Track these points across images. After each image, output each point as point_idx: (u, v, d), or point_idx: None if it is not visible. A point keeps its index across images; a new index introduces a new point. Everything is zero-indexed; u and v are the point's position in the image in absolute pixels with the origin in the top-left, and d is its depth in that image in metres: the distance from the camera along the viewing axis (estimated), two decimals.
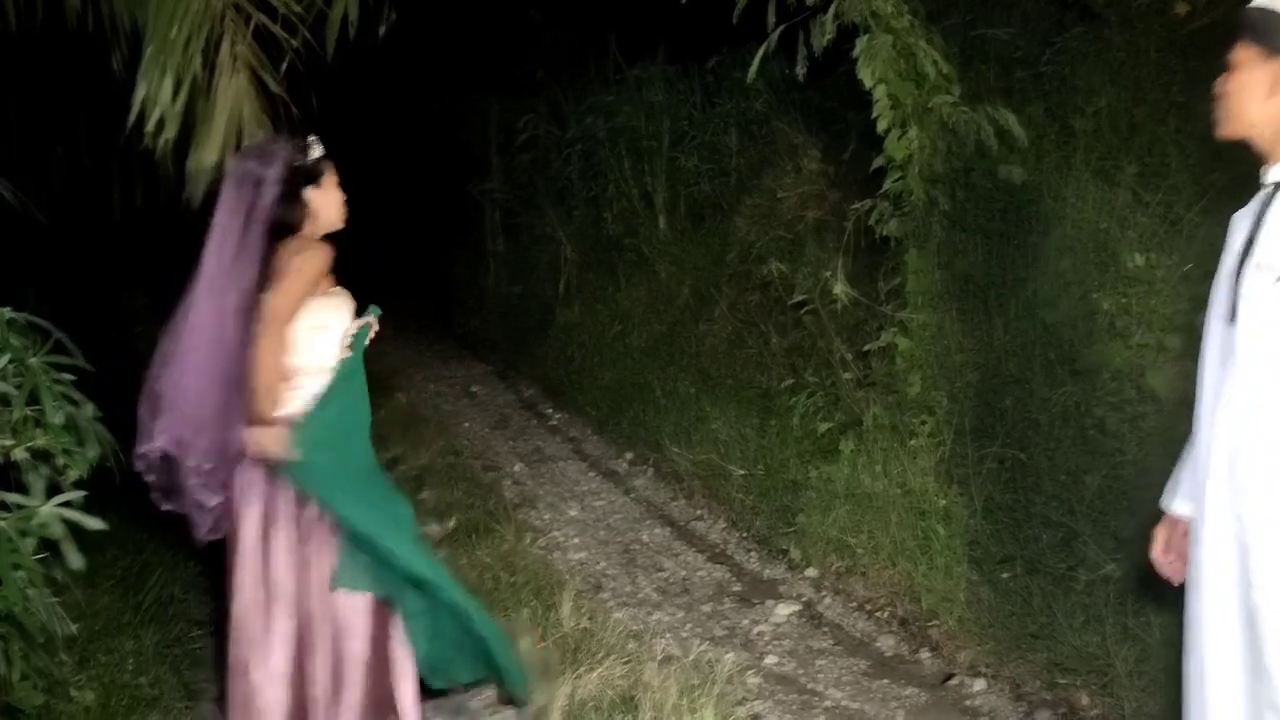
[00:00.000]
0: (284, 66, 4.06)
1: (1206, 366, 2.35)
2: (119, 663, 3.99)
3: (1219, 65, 2.26)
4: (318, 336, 3.01)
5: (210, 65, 3.89)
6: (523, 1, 9.65)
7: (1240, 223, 2.31)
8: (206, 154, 3.84)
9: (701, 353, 7.07)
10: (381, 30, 5.34)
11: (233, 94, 3.85)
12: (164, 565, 4.86)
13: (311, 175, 3.03)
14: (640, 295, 8.15)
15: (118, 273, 8.26)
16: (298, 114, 4.00)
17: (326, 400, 2.98)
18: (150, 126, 3.86)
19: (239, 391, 2.95)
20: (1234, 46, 2.19)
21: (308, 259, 2.97)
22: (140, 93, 3.82)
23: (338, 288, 3.09)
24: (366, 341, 3.08)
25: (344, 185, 3.13)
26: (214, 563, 5.24)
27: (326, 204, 3.07)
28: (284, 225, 2.98)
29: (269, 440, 2.92)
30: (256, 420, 2.93)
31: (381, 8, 5.23)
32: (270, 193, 2.94)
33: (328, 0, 4.64)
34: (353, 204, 3.14)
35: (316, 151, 3.05)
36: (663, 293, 7.96)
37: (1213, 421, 2.26)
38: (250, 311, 2.93)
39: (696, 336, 7.26)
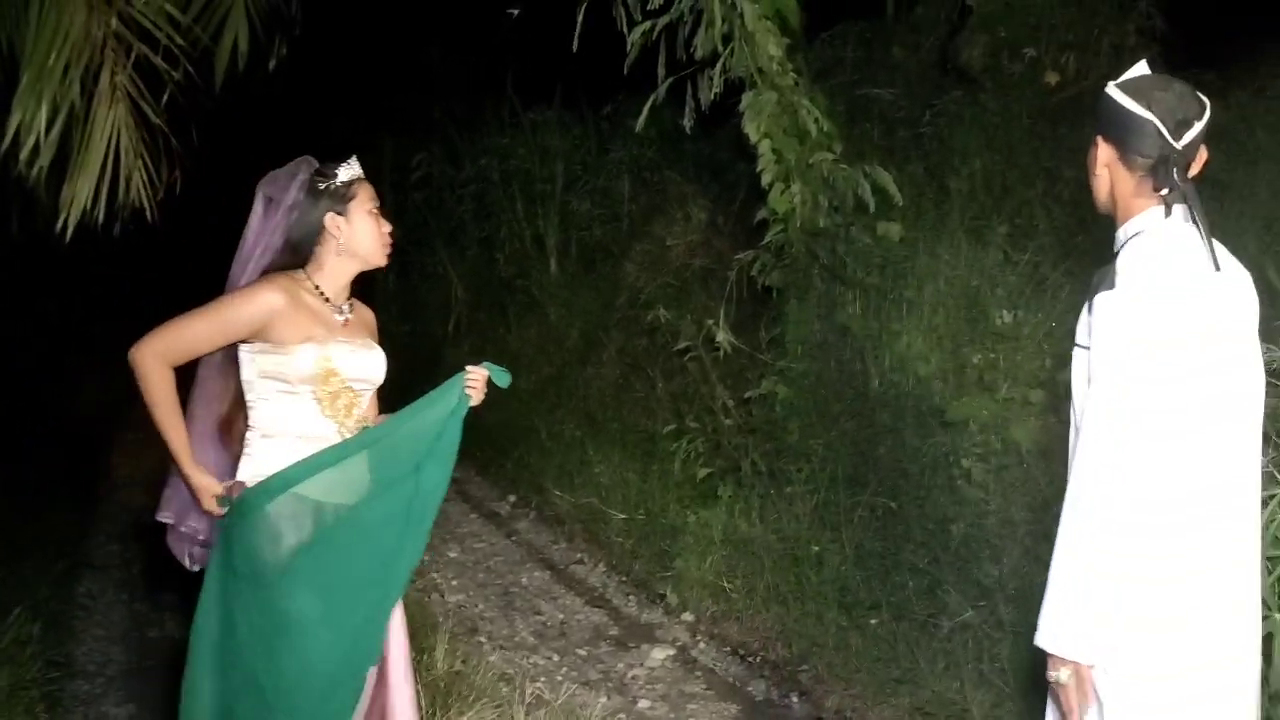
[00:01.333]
0: (165, 98, 4.01)
1: None
2: None
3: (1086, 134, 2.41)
4: (270, 390, 2.63)
5: (89, 94, 3.82)
6: (420, 39, 9.67)
7: None
8: (82, 183, 3.77)
9: (588, 396, 7.11)
10: (272, 64, 5.31)
11: (111, 124, 3.79)
12: (24, 604, 4.69)
13: (335, 199, 2.67)
14: (530, 337, 8.17)
15: None
16: (178, 146, 3.95)
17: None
18: (25, 153, 3.78)
19: (225, 446, 2.73)
20: None
21: (239, 292, 2.60)
22: (15, 119, 3.74)
23: (334, 334, 2.67)
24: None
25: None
26: (78, 600, 5.11)
27: (354, 233, 2.68)
28: (297, 255, 2.69)
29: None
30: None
31: (273, 41, 5.20)
32: (285, 218, 2.66)
33: (216, 32, 4.62)
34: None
35: (345, 174, 2.69)
36: (552, 335, 8.00)
37: None
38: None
39: (584, 380, 7.30)
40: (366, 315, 2.86)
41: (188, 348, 2.57)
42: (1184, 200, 2.19)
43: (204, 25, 4.48)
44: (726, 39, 5.24)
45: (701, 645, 4.73)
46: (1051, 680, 2.11)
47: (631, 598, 5.31)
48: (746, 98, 5.33)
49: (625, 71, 5.51)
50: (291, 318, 2.58)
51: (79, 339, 9.58)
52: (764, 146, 5.36)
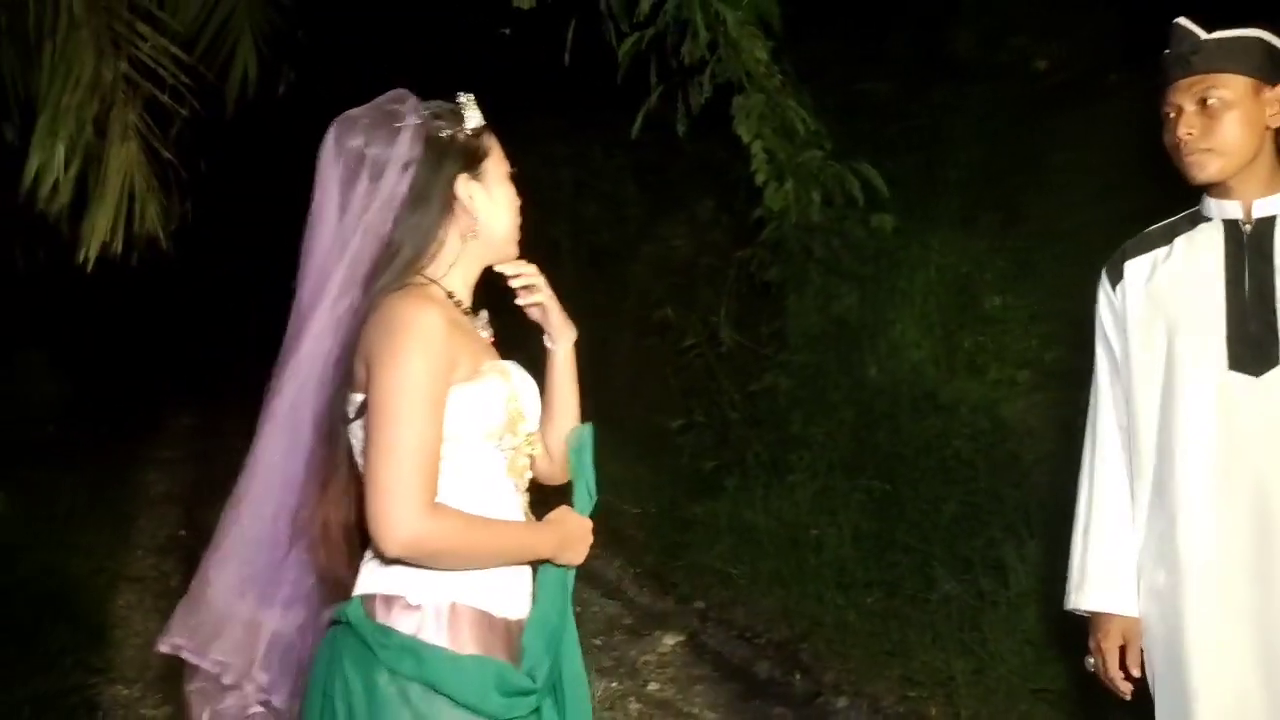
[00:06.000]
0: (174, 132, 4.24)
1: (1190, 422, 2.01)
2: (13, 711, 4.07)
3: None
4: (462, 456, 1.68)
5: (102, 133, 4.06)
6: (423, 61, 9.87)
7: (1175, 262, 2.08)
8: (100, 218, 4.00)
9: (600, 395, 7.29)
10: (281, 89, 5.53)
11: (124, 160, 4.02)
12: (63, 615, 4.95)
13: (466, 156, 1.74)
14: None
15: (13, 329, 8.22)
16: (188, 177, 4.19)
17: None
18: (44, 192, 4.01)
19: (308, 538, 1.69)
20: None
21: (417, 309, 1.63)
22: (34, 160, 3.97)
23: (499, 360, 1.78)
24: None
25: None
26: (117, 612, 5.36)
27: (492, 208, 1.77)
28: (409, 247, 1.69)
29: None
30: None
31: (281, 67, 5.42)
32: (397, 183, 1.67)
33: (224, 67, 4.85)
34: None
35: (474, 118, 1.77)
36: None
37: (1234, 487, 1.98)
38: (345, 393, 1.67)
39: (597, 379, 7.48)
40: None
41: (430, 466, 1.59)
42: None
43: (211, 60, 4.71)
44: (713, 45, 5.42)
45: (710, 630, 4.91)
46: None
47: (645, 588, 5.49)
48: (737, 101, 5.50)
49: (619, 81, 5.69)
50: (458, 343, 1.67)
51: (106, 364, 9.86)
52: (756, 147, 5.53)
